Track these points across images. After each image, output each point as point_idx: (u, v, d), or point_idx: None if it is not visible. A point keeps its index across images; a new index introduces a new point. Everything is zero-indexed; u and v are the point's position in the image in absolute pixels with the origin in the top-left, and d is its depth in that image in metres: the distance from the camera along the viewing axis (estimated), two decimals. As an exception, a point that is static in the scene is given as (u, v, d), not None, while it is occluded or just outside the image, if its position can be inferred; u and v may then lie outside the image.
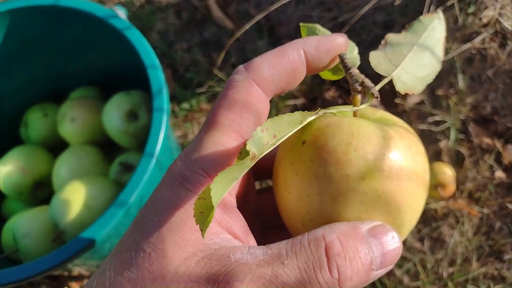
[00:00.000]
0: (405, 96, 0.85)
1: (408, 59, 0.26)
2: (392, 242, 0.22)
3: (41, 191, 0.68)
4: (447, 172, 0.77)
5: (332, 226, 0.21)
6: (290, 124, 0.22)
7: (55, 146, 0.71)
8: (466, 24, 0.83)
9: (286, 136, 0.22)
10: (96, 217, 0.53)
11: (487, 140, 0.82)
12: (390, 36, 0.27)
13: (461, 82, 0.83)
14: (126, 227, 0.25)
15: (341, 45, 0.25)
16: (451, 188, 0.77)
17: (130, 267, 0.20)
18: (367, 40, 0.89)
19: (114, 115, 0.61)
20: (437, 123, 0.83)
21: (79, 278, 0.79)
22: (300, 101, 0.87)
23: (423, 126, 0.83)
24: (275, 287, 0.19)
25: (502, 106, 0.83)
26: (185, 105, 0.90)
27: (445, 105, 0.83)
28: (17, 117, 0.75)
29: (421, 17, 0.28)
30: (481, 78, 0.84)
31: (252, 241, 0.23)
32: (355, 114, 0.26)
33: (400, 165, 0.22)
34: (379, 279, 0.74)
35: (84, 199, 0.54)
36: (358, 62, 0.26)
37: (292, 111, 0.23)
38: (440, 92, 0.84)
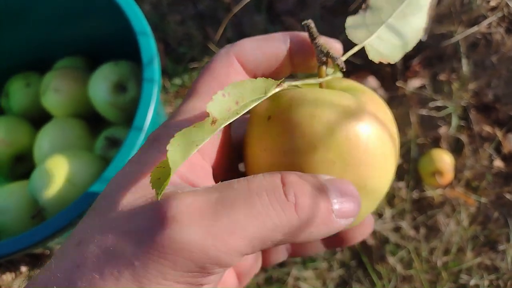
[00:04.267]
0: (406, 80, 0.82)
1: (386, 25, 0.25)
2: (351, 191, 0.21)
3: (21, 165, 0.64)
4: (446, 159, 0.75)
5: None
6: (254, 91, 0.21)
7: (38, 118, 0.67)
8: (473, 7, 0.80)
9: (251, 106, 0.21)
10: (79, 194, 0.50)
11: (487, 128, 0.80)
12: (372, 0, 0.26)
13: (464, 67, 0.80)
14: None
15: (338, 50, 0.25)
16: (449, 176, 0.75)
17: (89, 217, 0.19)
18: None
19: (101, 86, 0.57)
20: (438, 108, 0.80)
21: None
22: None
23: (424, 111, 0.80)
24: (221, 207, 0.18)
25: (505, 94, 0.81)
26: (177, 81, 0.86)
27: (447, 90, 0.81)
28: (-2, 86, 0.71)
29: None
30: (485, 64, 0.82)
31: None
32: (321, 85, 0.25)
33: (366, 132, 0.22)
34: (372, 266, 0.72)
35: (67, 174, 0.50)
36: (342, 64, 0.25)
37: None
38: (442, 77, 0.82)
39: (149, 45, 0.48)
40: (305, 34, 0.25)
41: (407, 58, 0.84)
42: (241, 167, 0.30)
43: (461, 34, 0.79)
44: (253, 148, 0.24)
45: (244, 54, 0.24)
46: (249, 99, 0.22)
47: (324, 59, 0.24)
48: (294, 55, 0.24)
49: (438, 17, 0.82)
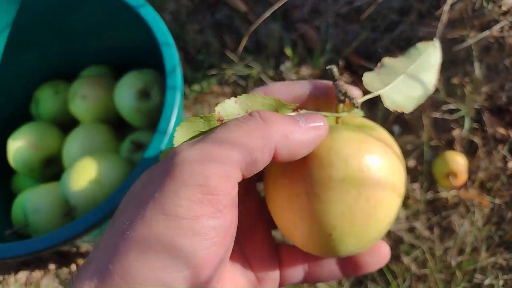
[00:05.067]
0: (419, 84, 0.83)
1: (399, 80, 0.28)
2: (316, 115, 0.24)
3: (51, 168, 0.68)
4: (459, 161, 0.76)
5: None
6: (264, 107, 0.24)
7: (66, 124, 0.70)
8: (484, 12, 0.81)
9: None
10: (107, 194, 0.53)
11: (501, 130, 0.81)
12: (386, 60, 0.29)
13: (477, 70, 0.81)
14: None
15: (358, 95, 0.28)
16: (463, 177, 0.76)
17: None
18: (382, 26, 0.87)
19: (126, 93, 0.60)
20: (451, 111, 0.81)
21: (86, 255, 0.79)
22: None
23: (437, 114, 0.81)
24: (207, 137, 0.22)
25: (518, 96, 0.81)
26: (196, 87, 0.89)
27: (460, 93, 0.82)
28: (28, 94, 0.75)
29: (417, 44, 0.30)
30: (498, 67, 0.83)
31: None
32: (337, 120, 0.28)
33: (378, 165, 0.24)
34: (387, 265, 0.73)
35: (95, 175, 0.53)
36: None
37: None
38: (455, 80, 0.83)
39: (172, 55, 0.51)
40: (324, 82, 0.28)
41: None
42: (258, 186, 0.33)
43: (473, 38, 0.81)
44: (275, 175, 0.26)
45: (272, 94, 0.27)
46: None
47: (342, 98, 0.27)
48: (314, 98, 0.28)
49: (450, 22, 0.84)
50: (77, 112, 0.66)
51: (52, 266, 0.78)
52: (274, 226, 0.32)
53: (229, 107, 0.24)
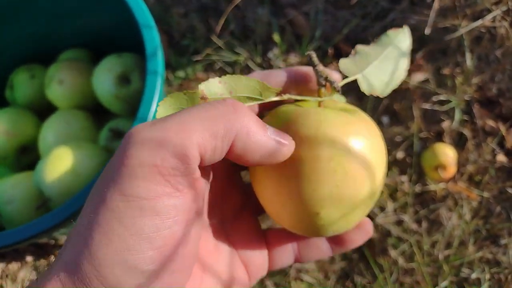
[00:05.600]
0: (409, 74, 0.82)
1: (373, 66, 0.30)
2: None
3: (26, 156, 0.65)
4: (449, 153, 0.75)
5: None
6: (247, 88, 0.25)
7: (42, 110, 0.67)
8: (477, 1, 0.79)
9: (246, 103, 0.25)
10: (84, 185, 0.50)
11: (490, 123, 0.79)
12: (359, 47, 0.30)
13: (468, 61, 0.80)
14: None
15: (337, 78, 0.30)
16: (452, 170, 0.75)
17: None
18: (373, 13, 0.85)
19: (105, 78, 0.57)
20: (441, 102, 0.80)
21: (65, 247, 0.76)
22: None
23: (427, 105, 0.80)
24: (169, 116, 0.21)
25: (508, 88, 0.80)
26: (180, 73, 0.86)
27: (451, 84, 0.81)
28: (3, 78, 0.71)
29: (388, 31, 0.31)
30: (489, 58, 0.81)
31: None
32: (319, 104, 0.29)
33: (362, 145, 0.25)
34: (374, 259, 0.72)
35: (71, 165, 0.51)
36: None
37: None
38: (446, 71, 0.82)
39: (152, 37, 0.49)
40: (302, 68, 0.29)
41: (411, 51, 0.84)
42: (243, 174, 0.33)
43: (465, 28, 0.79)
44: None
45: None
46: (242, 94, 0.25)
47: (323, 82, 0.28)
48: (296, 84, 0.28)
49: (442, 11, 0.82)
50: (53, 97, 0.63)
51: (29, 258, 0.75)
52: (260, 212, 0.33)
53: (213, 87, 0.24)
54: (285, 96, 0.26)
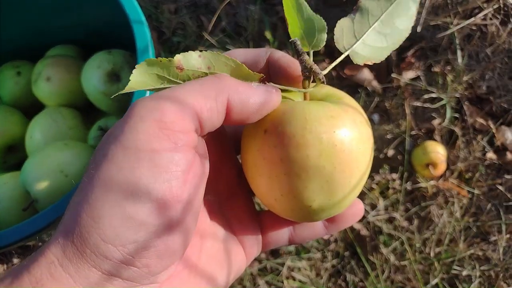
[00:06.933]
0: (400, 72, 0.82)
1: (372, 29, 0.28)
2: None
3: (13, 156, 0.63)
4: (439, 151, 0.76)
5: None
6: (226, 66, 0.25)
7: (29, 108, 0.65)
8: (468, -1, 0.80)
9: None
10: (72, 185, 0.49)
11: (481, 121, 0.80)
12: (363, 2, 0.28)
13: (459, 59, 0.80)
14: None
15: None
16: (442, 167, 0.76)
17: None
18: None
19: (94, 75, 0.56)
20: (432, 100, 0.80)
21: (54, 248, 0.75)
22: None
23: (418, 103, 0.80)
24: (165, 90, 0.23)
25: (498, 86, 0.81)
26: (171, 71, 0.85)
27: (441, 82, 0.81)
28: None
29: None
30: (479, 56, 0.82)
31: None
32: (305, 96, 0.29)
33: (348, 137, 0.25)
34: (366, 256, 0.72)
35: (59, 165, 0.49)
36: (323, 43, 0.27)
37: None
38: (436, 68, 0.82)
39: (143, 33, 0.47)
40: (281, 52, 0.28)
41: (402, 49, 0.84)
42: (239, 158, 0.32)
43: (456, 26, 0.79)
44: (253, 157, 0.28)
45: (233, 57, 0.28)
46: (220, 70, 0.25)
47: (308, 73, 0.27)
48: (271, 66, 0.28)
49: (434, 9, 0.82)
50: (41, 95, 0.61)
51: (16, 260, 0.74)
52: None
53: (191, 59, 0.24)
54: (269, 84, 0.26)
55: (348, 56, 0.28)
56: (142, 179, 0.20)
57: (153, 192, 0.20)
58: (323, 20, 0.27)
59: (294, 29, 0.28)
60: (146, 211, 0.20)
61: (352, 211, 0.32)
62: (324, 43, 0.27)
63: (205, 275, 0.27)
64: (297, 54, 0.27)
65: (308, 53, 0.27)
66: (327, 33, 0.27)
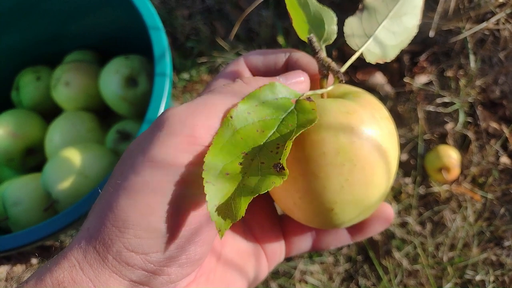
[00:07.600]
0: (413, 76, 0.82)
1: (382, 27, 0.27)
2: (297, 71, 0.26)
3: (32, 158, 0.65)
4: (452, 155, 0.75)
5: None
6: (273, 115, 0.24)
7: (48, 112, 0.67)
8: (481, 3, 0.80)
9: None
10: (91, 187, 0.51)
11: (494, 125, 0.80)
12: (368, 0, 0.27)
13: (472, 63, 0.80)
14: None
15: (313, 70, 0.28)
16: (455, 171, 0.75)
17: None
18: None
19: (111, 80, 0.57)
20: (445, 104, 0.80)
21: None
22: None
23: (430, 108, 0.80)
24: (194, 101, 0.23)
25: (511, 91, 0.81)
26: (185, 75, 0.86)
27: (454, 86, 0.81)
28: (8, 80, 0.71)
29: None
30: (492, 60, 0.81)
31: None
32: (322, 95, 0.28)
33: (367, 133, 0.24)
34: (378, 260, 0.72)
35: (79, 167, 0.51)
36: (334, 36, 0.26)
37: None
38: (449, 73, 0.82)
39: (160, 40, 0.49)
40: (301, 53, 0.28)
41: (414, 54, 0.84)
42: None
43: (469, 31, 0.79)
44: None
45: (251, 60, 0.28)
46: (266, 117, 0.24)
47: (326, 72, 0.26)
48: (290, 66, 0.28)
49: (446, 13, 0.82)
50: (60, 99, 0.63)
51: (34, 261, 0.75)
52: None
53: (241, 116, 0.23)
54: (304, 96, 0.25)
55: (358, 61, 0.28)
56: (169, 193, 0.20)
57: (180, 206, 0.20)
58: (331, 11, 0.26)
59: (300, 23, 0.26)
60: (171, 223, 0.20)
61: (380, 216, 0.30)
62: (335, 35, 0.26)
63: (224, 281, 0.27)
64: (313, 51, 0.26)
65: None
66: (339, 36, 0.26)
